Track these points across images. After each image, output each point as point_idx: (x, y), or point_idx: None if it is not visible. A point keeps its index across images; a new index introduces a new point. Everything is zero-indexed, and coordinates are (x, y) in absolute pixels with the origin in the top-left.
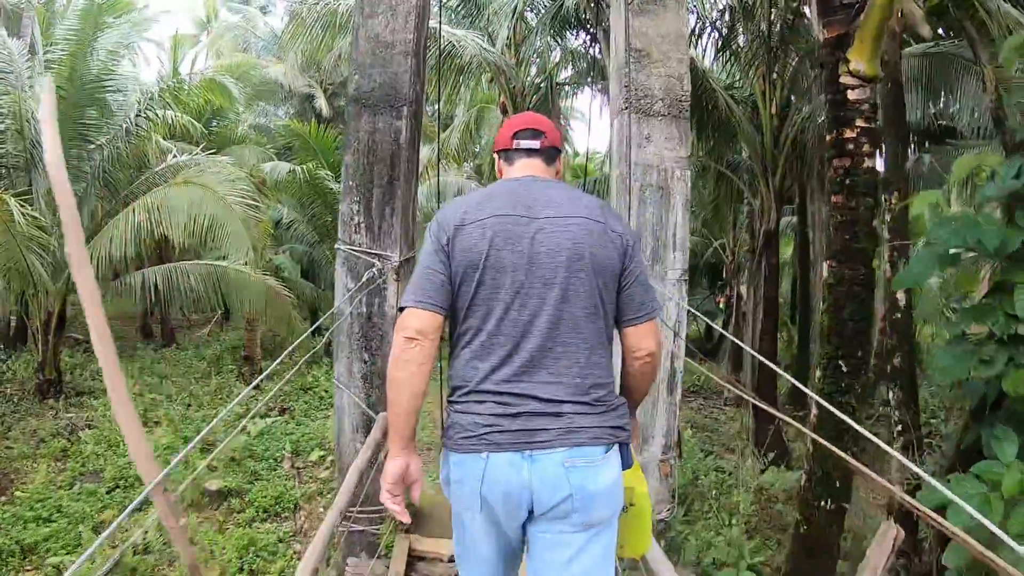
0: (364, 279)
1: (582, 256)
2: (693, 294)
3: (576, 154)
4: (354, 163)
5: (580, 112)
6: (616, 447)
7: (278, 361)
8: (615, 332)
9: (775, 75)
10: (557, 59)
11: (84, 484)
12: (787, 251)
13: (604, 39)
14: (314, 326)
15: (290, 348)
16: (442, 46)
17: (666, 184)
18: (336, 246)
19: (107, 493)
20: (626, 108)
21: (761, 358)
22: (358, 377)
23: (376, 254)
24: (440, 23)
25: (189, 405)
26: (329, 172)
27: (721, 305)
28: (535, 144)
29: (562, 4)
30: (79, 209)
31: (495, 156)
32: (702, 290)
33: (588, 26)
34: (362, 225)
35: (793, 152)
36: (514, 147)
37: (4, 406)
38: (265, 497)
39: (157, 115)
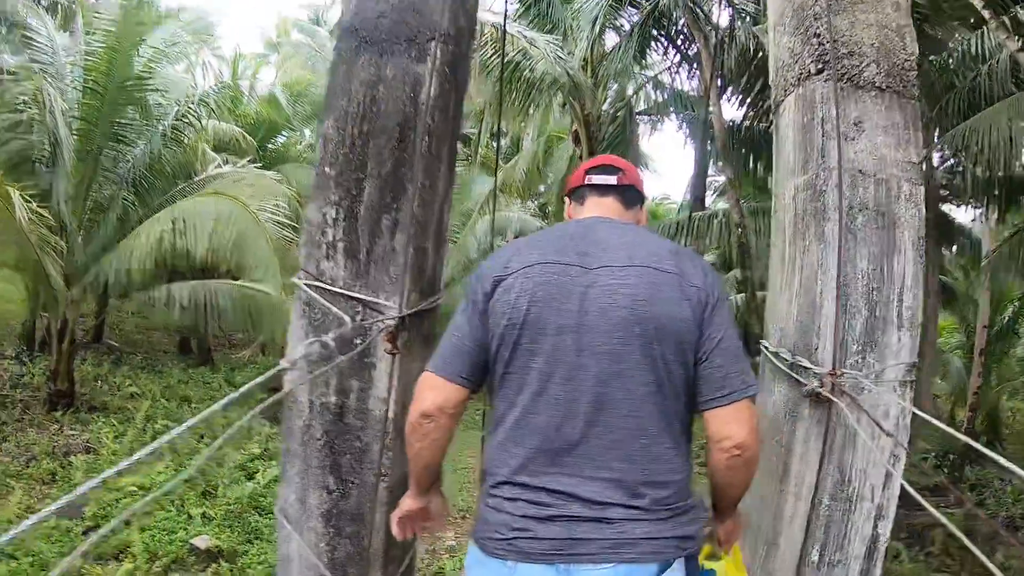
0: (331, 340)
1: (642, 316)
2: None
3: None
4: (337, 136)
5: (650, 156)
6: (682, 562)
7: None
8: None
9: None
10: (637, 86)
11: (60, 519)
12: None
13: (704, 46)
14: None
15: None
16: (510, 54)
17: (888, 207)
18: (295, 278)
19: (83, 534)
20: (817, 73)
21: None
22: (316, 515)
23: (359, 299)
24: (505, 21)
25: (203, 436)
26: None
27: None
28: (610, 180)
29: (654, 7)
30: (106, 213)
31: (566, 200)
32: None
33: (679, 39)
34: (339, 245)
35: None
36: (586, 183)
37: (9, 413)
38: (262, 564)
39: (201, 123)
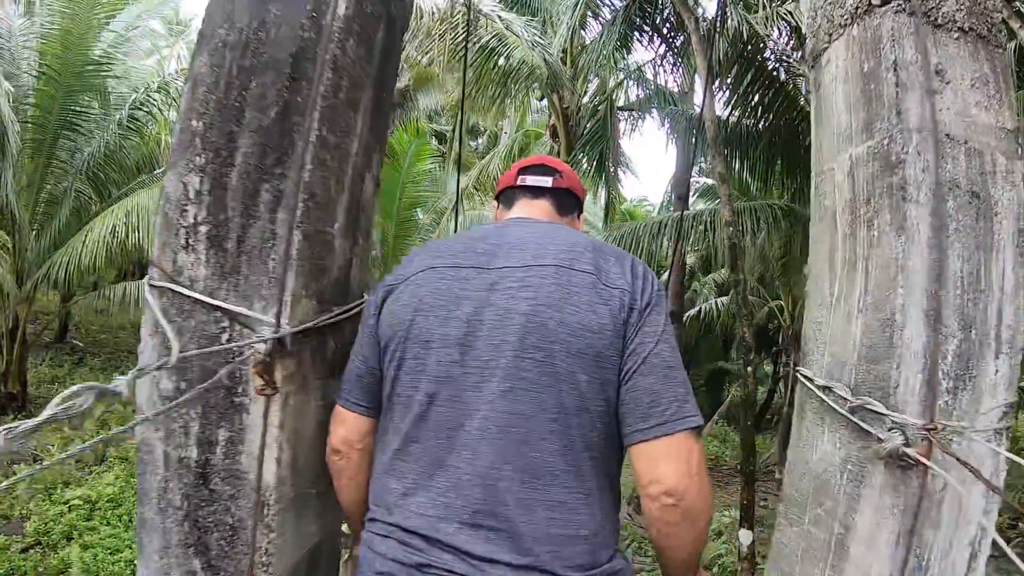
0: (181, 377)
1: (544, 324)
2: (739, 358)
3: (623, 200)
4: (210, 76)
5: (630, 157)
6: None
7: None
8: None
9: None
10: (619, 79)
11: None
12: None
13: (695, 29)
14: None
15: None
16: (484, 38)
17: (983, 187)
18: (147, 277)
19: (22, 552)
20: (884, 3)
21: None
22: None
23: (224, 309)
24: None
25: None
26: None
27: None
28: (545, 181)
29: None
30: (59, 206)
31: (495, 204)
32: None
33: (665, 27)
34: (201, 229)
35: None
36: (517, 183)
37: None
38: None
39: (163, 113)
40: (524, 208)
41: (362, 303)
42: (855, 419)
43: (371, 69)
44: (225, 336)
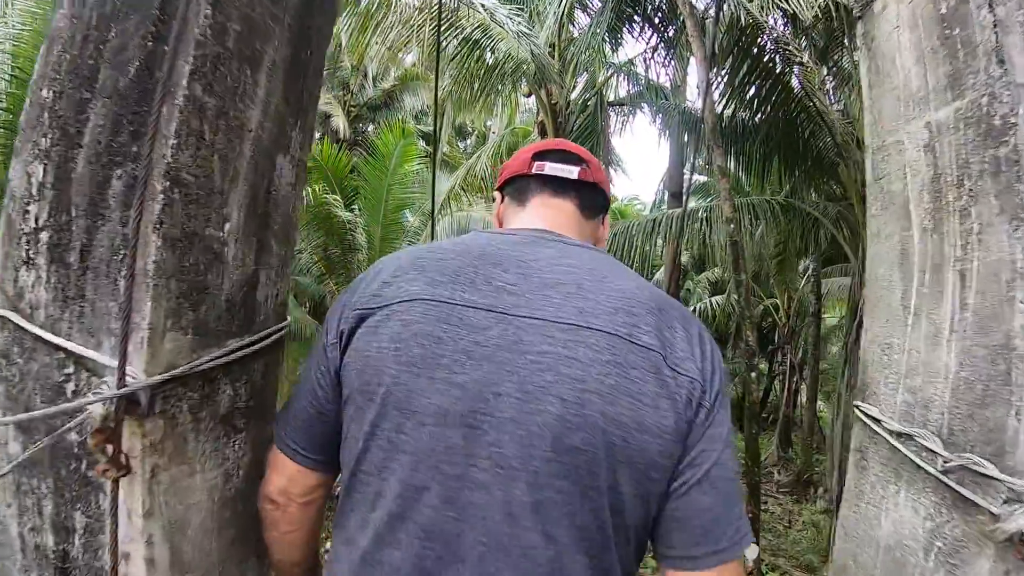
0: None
1: (589, 420)
2: (735, 358)
3: (613, 199)
4: (68, 31)
5: (620, 156)
6: None
7: None
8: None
9: None
10: (609, 73)
11: None
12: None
13: (689, 15)
14: None
15: None
16: (467, 30)
17: None
18: None
19: None
20: None
21: None
22: None
23: (69, 352)
24: None
25: None
26: (338, 197)
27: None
28: (570, 172)
29: None
30: None
31: (496, 196)
32: (740, 354)
33: (657, 16)
34: (42, 239)
35: None
36: (533, 171)
37: None
38: None
39: None
40: (543, 210)
41: (279, 332)
42: (951, 482)
43: (282, 13)
44: (71, 387)
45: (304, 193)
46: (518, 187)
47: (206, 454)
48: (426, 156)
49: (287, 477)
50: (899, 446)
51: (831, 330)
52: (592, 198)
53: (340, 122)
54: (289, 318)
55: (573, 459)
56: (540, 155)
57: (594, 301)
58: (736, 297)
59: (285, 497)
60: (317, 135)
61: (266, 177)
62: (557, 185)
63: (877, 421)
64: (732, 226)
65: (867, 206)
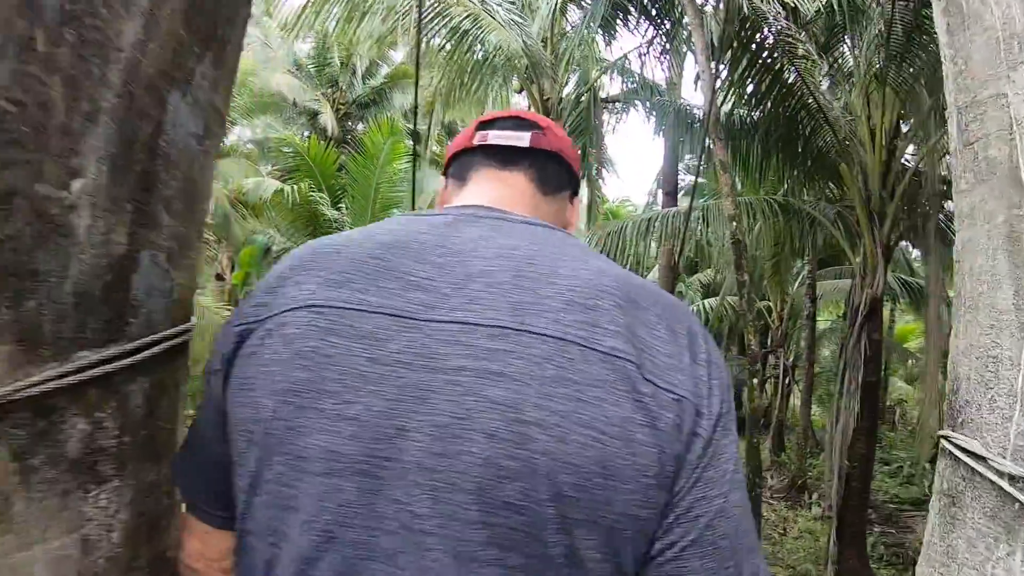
0: None
1: (529, 463)
2: (727, 360)
3: (605, 200)
4: None
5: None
6: None
7: None
8: None
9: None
10: (603, 68)
11: None
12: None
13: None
14: None
15: None
16: (456, 19)
17: None
18: None
19: None
20: None
21: None
22: None
23: None
24: None
25: None
26: (325, 195)
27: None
28: (519, 139)
29: None
30: None
31: (441, 181)
32: (731, 357)
33: (655, 8)
34: None
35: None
36: (475, 143)
37: None
38: None
39: None
40: (486, 184)
41: (174, 339)
42: None
43: None
44: None
45: (290, 191)
46: (461, 164)
47: (48, 515)
48: (414, 154)
49: (199, 539)
50: (1015, 493)
51: (823, 333)
52: (552, 170)
53: (329, 120)
54: (194, 319)
55: (508, 519)
56: (485, 124)
57: (535, 294)
58: (737, 299)
59: (203, 562)
60: (305, 133)
61: (149, 120)
62: (505, 156)
63: (979, 459)
64: (735, 224)
65: (954, 180)
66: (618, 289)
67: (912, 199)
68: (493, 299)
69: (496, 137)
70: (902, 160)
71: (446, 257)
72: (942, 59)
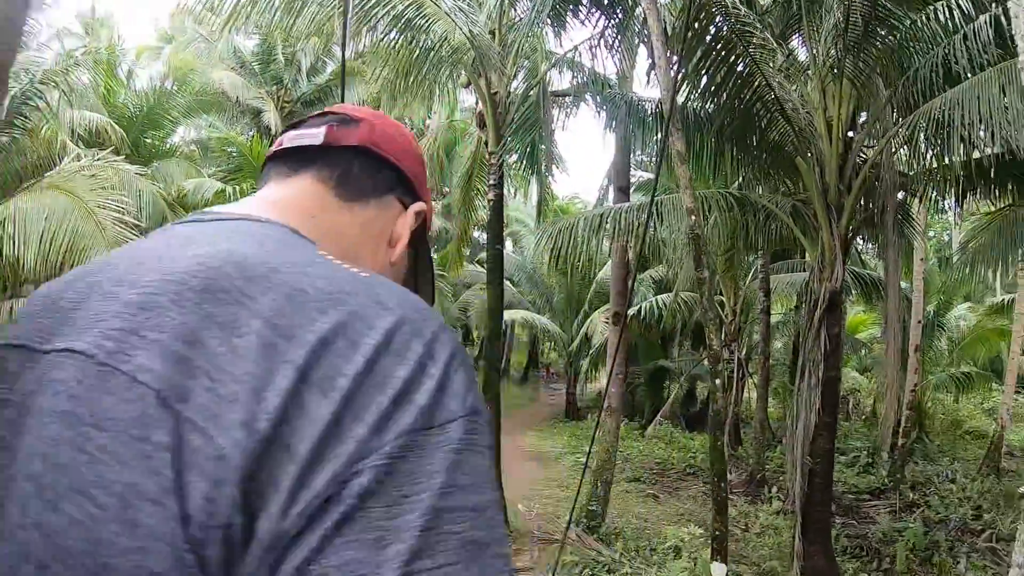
0: None
1: (24, 552)
2: (680, 356)
3: (555, 198)
4: None
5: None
6: None
7: None
8: None
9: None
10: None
11: None
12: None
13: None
14: None
15: None
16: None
17: None
18: None
19: None
20: None
21: None
22: None
23: None
24: None
25: None
26: None
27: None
28: (313, 136)
29: None
30: None
31: None
32: (685, 352)
33: None
34: None
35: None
36: (272, 151)
37: None
38: None
39: (50, 106)
40: (264, 193)
41: None
42: None
43: None
44: None
45: (232, 191)
46: (261, 176)
47: None
48: None
49: None
50: None
51: (775, 326)
52: (361, 170)
53: (272, 118)
54: None
55: None
56: (291, 126)
57: (121, 301)
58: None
59: None
60: (250, 132)
61: None
62: (299, 158)
63: None
64: (694, 218)
65: None
66: (206, 274)
67: (869, 192)
68: (111, 317)
69: (291, 139)
70: (859, 153)
71: (110, 273)
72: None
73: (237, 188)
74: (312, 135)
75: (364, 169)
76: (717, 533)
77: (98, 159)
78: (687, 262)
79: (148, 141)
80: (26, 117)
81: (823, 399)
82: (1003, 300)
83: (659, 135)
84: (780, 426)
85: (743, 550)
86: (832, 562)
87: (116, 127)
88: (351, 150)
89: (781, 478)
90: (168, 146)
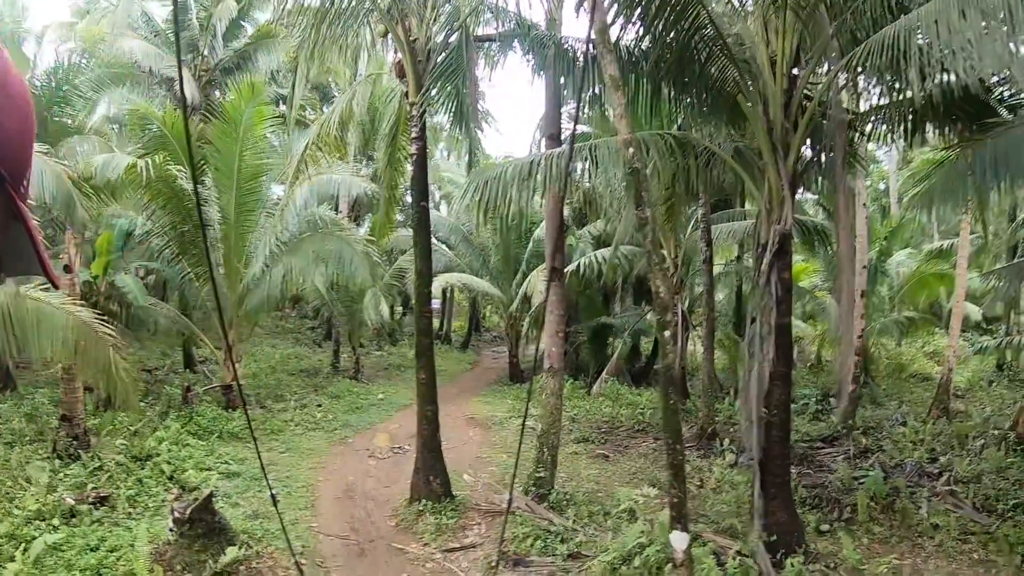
0: None
1: None
2: (623, 312)
3: (487, 156)
4: None
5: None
6: None
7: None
8: None
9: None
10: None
11: None
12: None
13: None
14: None
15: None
16: None
17: None
18: None
19: None
20: None
21: None
22: None
23: None
24: None
25: None
26: (183, 168)
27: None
28: None
29: None
30: None
31: None
32: (627, 307)
33: None
34: None
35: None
36: None
37: None
38: None
39: None
40: None
41: None
42: None
43: None
44: None
45: (144, 165)
46: None
47: None
48: (280, 118)
49: None
50: None
51: (716, 277)
52: None
53: (189, 87)
54: None
55: None
56: None
57: None
58: (631, 248)
59: None
60: (168, 103)
61: None
62: None
63: None
64: (632, 151)
65: None
66: None
67: (816, 130)
68: None
69: None
70: (804, 89)
71: None
72: None
73: (148, 161)
74: None
75: None
76: (676, 500)
77: None
78: (626, 214)
79: (57, 119)
80: None
81: (777, 348)
82: (941, 245)
83: (591, 73)
84: (727, 378)
85: (699, 507)
86: (794, 516)
87: None
88: None
89: (732, 430)
90: (78, 123)
